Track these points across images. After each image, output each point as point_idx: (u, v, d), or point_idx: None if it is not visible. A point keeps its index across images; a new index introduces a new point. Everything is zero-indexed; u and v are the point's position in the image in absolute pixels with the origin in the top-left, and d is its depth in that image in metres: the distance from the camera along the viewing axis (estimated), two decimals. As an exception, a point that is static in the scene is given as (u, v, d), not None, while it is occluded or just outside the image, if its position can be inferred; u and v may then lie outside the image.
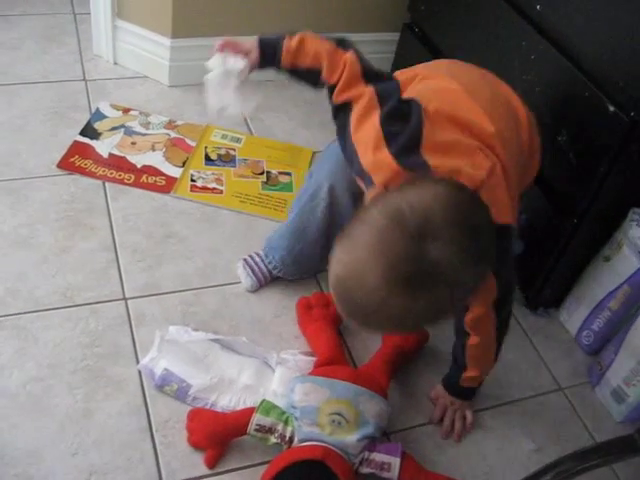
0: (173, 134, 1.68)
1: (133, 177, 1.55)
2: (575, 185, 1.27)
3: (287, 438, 1.08)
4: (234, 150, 1.68)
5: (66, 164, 1.54)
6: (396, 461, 1.08)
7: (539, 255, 1.39)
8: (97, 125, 1.66)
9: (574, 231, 1.30)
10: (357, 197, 1.17)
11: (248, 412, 1.09)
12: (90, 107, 1.71)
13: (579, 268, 1.41)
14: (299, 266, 1.36)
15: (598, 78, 1.19)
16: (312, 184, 1.28)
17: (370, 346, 1.30)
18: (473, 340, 1.08)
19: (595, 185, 1.23)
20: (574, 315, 1.43)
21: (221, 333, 1.27)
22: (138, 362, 1.20)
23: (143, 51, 1.80)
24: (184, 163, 1.61)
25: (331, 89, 1.05)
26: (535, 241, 1.39)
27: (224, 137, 1.71)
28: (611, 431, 1.28)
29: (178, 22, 1.72)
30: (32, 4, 2.02)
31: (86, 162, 1.55)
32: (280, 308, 1.35)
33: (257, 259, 1.37)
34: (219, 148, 1.67)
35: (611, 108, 1.15)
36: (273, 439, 1.08)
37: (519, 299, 1.47)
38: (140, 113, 1.72)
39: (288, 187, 1.61)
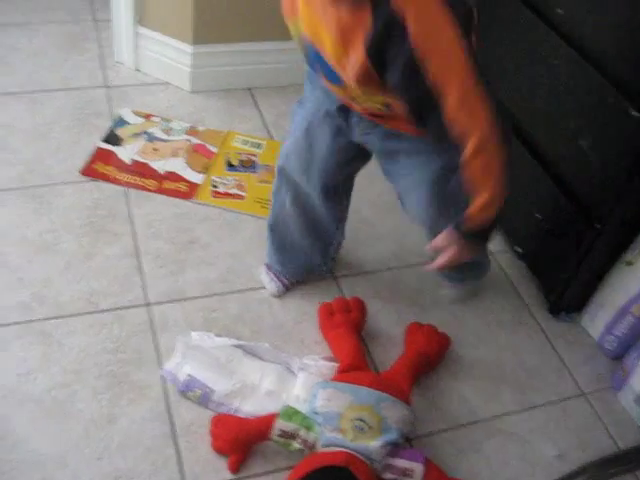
0: (194, 140, 1.70)
1: (155, 183, 1.56)
2: (598, 190, 1.26)
3: (310, 444, 1.08)
4: (255, 156, 1.69)
5: (89, 171, 1.56)
6: (419, 467, 1.08)
7: (561, 259, 1.38)
8: (119, 131, 1.67)
9: (597, 236, 1.30)
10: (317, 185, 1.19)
11: (271, 418, 1.10)
12: (112, 114, 1.73)
13: (602, 273, 1.40)
14: (298, 266, 1.37)
15: (621, 83, 1.18)
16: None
17: (392, 352, 1.30)
18: (469, 149, 0.90)
19: (618, 189, 1.22)
20: (597, 320, 1.42)
21: (243, 339, 1.28)
22: (161, 368, 1.21)
23: (164, 57, 1.81)
24: (205, 169, 1.62)
25: None
26: (557, 245, 1.38)
27: (245, 143, 1.72)
28: (635, 437, 1.27)
29: (199, 29, 1.74)
30: (53, 11, 2.04)
31: (109, 168, 1.57)
32: (301, 314, 1.36)
33: (279, 264, 1.39)
34: (240, 154, 1.68)
35: (634, 113, 1.14)
36: (296, 445, 1.08)
37: (541, 303, 1.47)
38: (161, 119, 1.73)
39: (308, 192, 1.62)
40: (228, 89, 1.86)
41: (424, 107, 0.89)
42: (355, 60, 0.88)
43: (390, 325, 1.37)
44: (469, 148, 0.90)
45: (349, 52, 0.89)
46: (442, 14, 0.82)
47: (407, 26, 0.82)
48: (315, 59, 0.98)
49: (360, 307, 1.32)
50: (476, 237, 1.02)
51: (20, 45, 1.89)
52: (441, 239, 1.03)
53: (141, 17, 1.78)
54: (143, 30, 1.80)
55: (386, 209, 1.58)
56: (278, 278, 1.37)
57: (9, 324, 1.24)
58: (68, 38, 1.95)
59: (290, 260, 1.36)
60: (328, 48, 0.92)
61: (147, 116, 1.73)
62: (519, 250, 1.51)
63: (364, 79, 0.91)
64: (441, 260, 1.05)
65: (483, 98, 0.87)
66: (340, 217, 1.32)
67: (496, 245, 1.56)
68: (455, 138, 0.89)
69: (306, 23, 0.95)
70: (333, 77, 0.97)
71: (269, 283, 1.37)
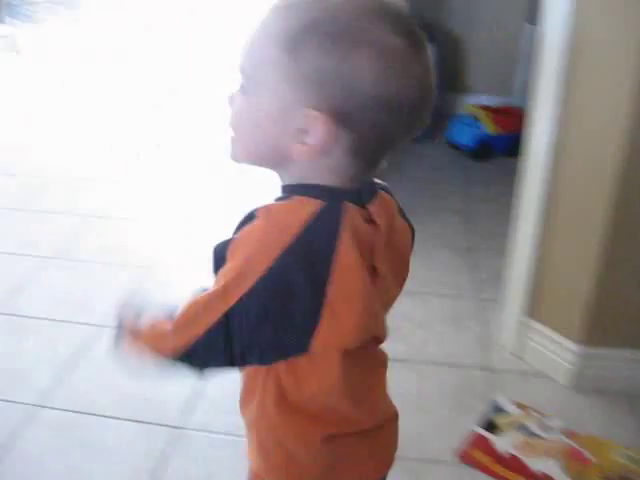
0: (570, 442, 1.64)
1: (527, 483, 1.52)
2: None
3: None
4: (638, 475, 1.56)
5: (467, 457, 1.58)
6: None
7: None
8: (496, 419, 1.69)
9: None
10: None
11: None
12: (489, 398, 1.77)
13: None
14: None
15: None
16: None
17: None
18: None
19: None
20: None
21: None
22: None
23: (546, 350, 1.84)
24: (580, 477, 1.54)
25: None
26: None
27: (627, 458, 1.61)
28: None
29: (588, 330, 1.75)
30: (442, 284, 2.24)
31: (486, 458, 1.57)
32: None
33: None
34: (619, 469, 1.57)
35: None
36: None
37: None
38: (538, 413, 1.72)
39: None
40: (609, 392, 1.80)
41: None
42: None
43: None
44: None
45: None
46: None
47: None
48: None
49: None
50: None
51: (411, 313, 2.08)
52: None
53: (532, 310, 1.86)
54: (531, 322, 1.87)
55: None
56: None
57: None
58: (453, 312, 2.11)
59: None
60: None
61: (525, 407, 1.74)
62: None
63: None
64: None
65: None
66: None
67: None
68: None
69: None
70: None
71: None
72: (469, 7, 3.56)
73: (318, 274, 0.69)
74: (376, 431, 0.86)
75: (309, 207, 0.71)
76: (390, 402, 0.94)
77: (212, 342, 0.72)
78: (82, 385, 1.76)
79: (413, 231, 0.88)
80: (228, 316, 0.70)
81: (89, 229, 2.56)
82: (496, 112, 3.27)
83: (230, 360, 0.74)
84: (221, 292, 0.71)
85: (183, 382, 1.72)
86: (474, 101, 3.47)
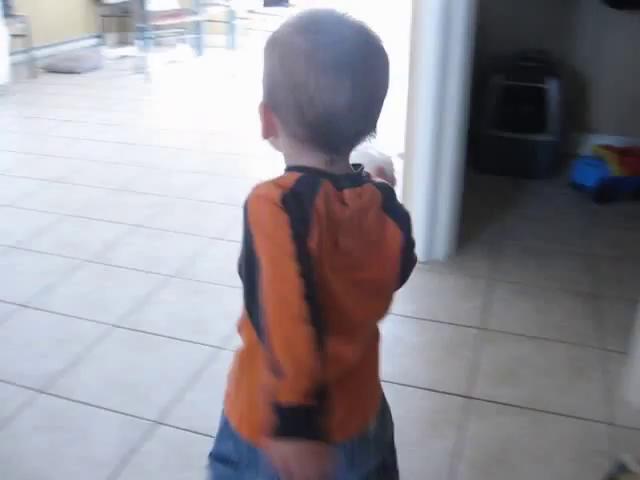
0: None
1: None
2: None
3: None
4: None
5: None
6: None
7: None
8: (621, 478, 1.59)
9: None
10: None
11: None
12: (613, 456, 1.67)
13: None
14: None
15: None
16: None
17: None
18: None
19: None
20: None
21: None
22: None
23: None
24: None
25: None
26: None
27: None
28: None
29: None
30: (561, 331, 2.15)
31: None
32: None
33: None
34: None
35: None
36: None
37: None
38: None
39: None
40: None
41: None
42: None
43: None
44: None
45: None
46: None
47: None
48: None
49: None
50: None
51: (530, 359, 2.01)
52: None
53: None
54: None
55: None
56: None
57: None
58: (573, 361, 2.01)
59: None
60: None
61: (654, 470, 1.63)
62: None
63: None
64: None
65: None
66: None
67: None
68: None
69: None
70: None
71: None
72: (596, 46, 3.46)
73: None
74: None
75: (292, 176, 0.88)
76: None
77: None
78: (200, 405, 1.79)
79: (405, 230, 0.96)
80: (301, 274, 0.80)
81: (209, 249, 2.63)
82: (622, 153, 3.14)
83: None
84: (275, 263, 0.82)
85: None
86: (599, 141, 3.35)
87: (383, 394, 1.08)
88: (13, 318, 2.17)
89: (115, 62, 6.28)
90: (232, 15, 5.62)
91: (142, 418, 1.74)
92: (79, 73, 5.83)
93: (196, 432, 1.69)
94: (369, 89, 0.87)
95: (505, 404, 1.83)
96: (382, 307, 1.01)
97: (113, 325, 2.13)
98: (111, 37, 6.90)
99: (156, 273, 2.44)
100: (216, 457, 1.04)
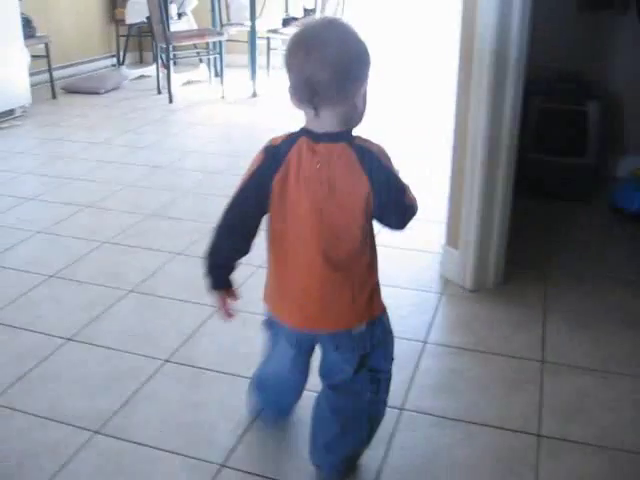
0: None
1: None
2: None
3: None
4: None
5: None
6: None
7: None
8: None
9: None
10: None
11: None
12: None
13: None
14: None
15: None
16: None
17: None
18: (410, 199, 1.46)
19: None
20: None
21: None
22: None
23: None
24: None
25: None
26: None
27: None
28: None
29: None
30: (624, 362, 2.08)
31: None
32: None
33: None
34: None
35: None
36: None
37: None
38: None
39: None
40: None
41: None
42: None
43: None
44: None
45: None
46: None
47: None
48: None
49: None
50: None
51: (595, 393, 1.94)
52: None
53: None
54: None
55: None
56: None
57: None
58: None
59: None
60: None
61: None
62: None
63: None
64: None
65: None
66: None
67: None
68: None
69: None
70: None
71: None
72: (633, 66, 3.42)
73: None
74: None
75: (286, 136, 1.41)
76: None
77: None
78: (261, 447, 1.74)
79: (373, 182, 1.36)
80: None
81: (257, 277, 2.58)
82: (665, 176, 3.09)
83: None
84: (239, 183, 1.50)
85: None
86: (638, 164, 3.30)
87: (379, 318, 1.52)
88: (60, 353, 2.12)
89: (134, 82, 6.27)
90: (253, 35, 5.59)
91: (206, 461, 1.68)
92: (99, 93, 5.81)
93: (261, 475, 1.63)
94: (335, 67, 1.28)
95: (575, 442, 1.77)
96: (331, 233, 1.41)
97: (165, 360, 2.07)
98: (129, 57, 6.89)
99: (203, 304, 2.39)
100: (263, 323, 1.65)
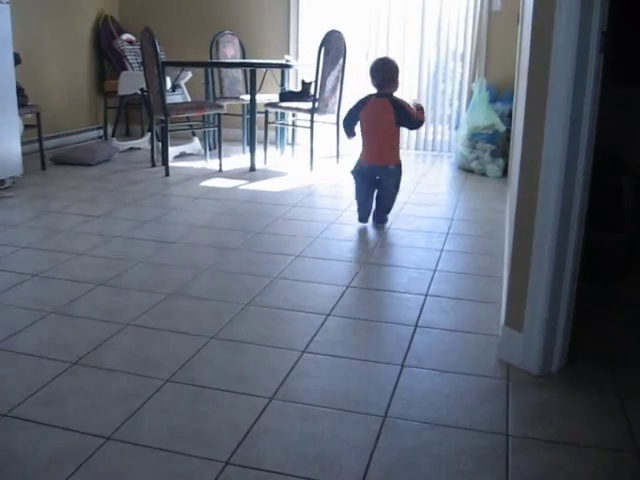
0: None
1: None
2: None
3: None
4: None
5: None
6: None
7: None
8: None
9: None
10: None
11: None
12: None
13: None
14: None
15: None
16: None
17: None
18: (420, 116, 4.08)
19: None
20: None
21: None
22: None
23: None
24: None
25: None
26: None
27: None
28: None
29: None
30: None
31: None
32: None
33: None
34: None
35: None
36: None
37: None
38: None
39: None
40: None
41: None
42: None
43: None
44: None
45: None
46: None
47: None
48: None
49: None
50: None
51: None
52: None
53: None
54: None
55: None
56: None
57: None
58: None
59: None
60: None
61: None
62: None
63: None
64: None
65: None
66: None
67: None
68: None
69: None
70: None
71: None
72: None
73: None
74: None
75: (368, 96, 4.08)
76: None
77: None
78: None
79: (396, 111, 3.94)
80: None
81: (307, 365, 2.36)
82: None
83: None
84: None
85: None
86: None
87: (394, 164, 4.04)
88: (99, 455, 1.85)
89: (124, 154, 6.10)
90: (253, 108, 5.50)
91: None
92: (90, 165, 5.62)
93: None
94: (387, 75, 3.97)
95: None
96: (382, 130, 4.01)
97: (225, 462, 1.82)
98: (118, 129, 6.74)
99: (249, 394, 2.16)
100: (352, 171, 4.11)
